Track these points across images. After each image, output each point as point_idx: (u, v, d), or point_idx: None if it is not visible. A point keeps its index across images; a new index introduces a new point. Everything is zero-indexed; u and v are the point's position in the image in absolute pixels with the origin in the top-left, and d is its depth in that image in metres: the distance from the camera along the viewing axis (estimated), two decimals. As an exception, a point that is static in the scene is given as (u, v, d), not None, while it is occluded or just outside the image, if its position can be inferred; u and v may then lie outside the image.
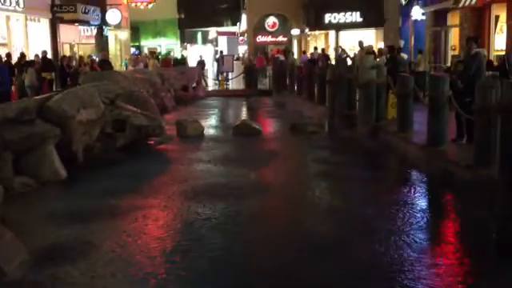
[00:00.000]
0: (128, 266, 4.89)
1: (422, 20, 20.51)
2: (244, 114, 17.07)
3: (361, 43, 17.22)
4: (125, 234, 5.74)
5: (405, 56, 16.13)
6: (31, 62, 16.77)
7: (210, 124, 14.09)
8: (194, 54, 33.96)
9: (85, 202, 6.90)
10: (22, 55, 17.36)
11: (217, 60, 28.67)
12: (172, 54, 31.31)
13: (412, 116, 9.68)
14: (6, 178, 6.79)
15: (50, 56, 19.38)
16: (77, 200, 7.07)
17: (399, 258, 5.04)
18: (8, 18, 19.22)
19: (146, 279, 4.63)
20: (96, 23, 25.43)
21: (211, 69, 31.05)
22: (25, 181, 7.50)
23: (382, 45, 21.65)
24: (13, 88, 15.41)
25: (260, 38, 33.18)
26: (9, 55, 16.87)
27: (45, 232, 5.80)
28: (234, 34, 40.05)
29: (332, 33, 28.05)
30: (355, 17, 26.41)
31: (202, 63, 26.05)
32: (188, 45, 38.89)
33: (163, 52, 34.78)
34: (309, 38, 31.51)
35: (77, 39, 25.34)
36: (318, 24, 27.55)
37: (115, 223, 6.10)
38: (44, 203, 7.00)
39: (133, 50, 34.50)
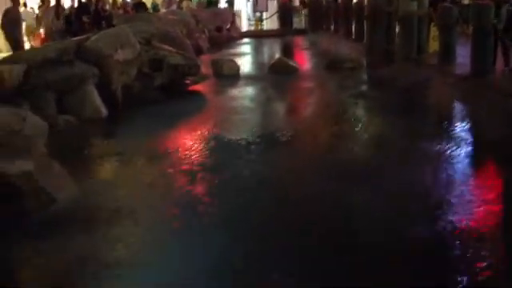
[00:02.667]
0: (167, 198, 4.99)
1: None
2: (280, 53, 16.86)
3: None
4: (162, 170, 5.81)
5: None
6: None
7: (245, 63, 13.97)
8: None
9: (124, 140, 6.99)
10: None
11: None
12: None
13: (455, 48, 9.41)
14: (50, 116, 6.94)
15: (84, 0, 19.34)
16: (117, 137, 7.17)
17: (440, 190, 4.96)
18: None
19: (187, 204, 4.72)
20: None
21: (245, 9, 30.60)
22: (68, 118, 7.67)
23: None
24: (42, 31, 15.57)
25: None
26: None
27: (88, 166, 5.97)
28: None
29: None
30: None
31: (231, 2, 25.61)
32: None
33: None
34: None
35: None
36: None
37: (153, 161, 6.17)
38: (86, 139, 7.14)
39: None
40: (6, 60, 8.00)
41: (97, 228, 4.38)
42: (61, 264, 3.88)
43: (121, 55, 8.97)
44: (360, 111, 8.40)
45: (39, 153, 4.89)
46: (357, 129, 7.33)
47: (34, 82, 7.43)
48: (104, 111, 8.22)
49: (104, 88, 8.48)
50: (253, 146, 6.47)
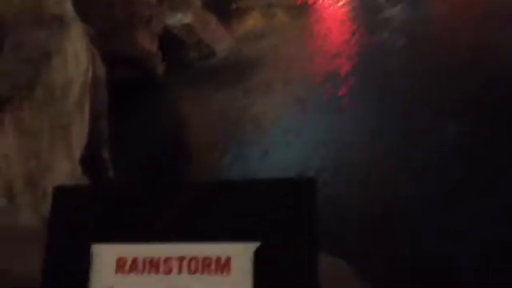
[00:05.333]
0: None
1: None
2: None
3: None
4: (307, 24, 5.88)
5: None
6: None
7: None
8: None
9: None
10: None
11: None
12: None
13: None
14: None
15: None
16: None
17: None
18: None
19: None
20: None
21: None
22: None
23: None
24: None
25: None
26: None
27: (241, 18, 6.24)
28: None
29: None
30: None
31: None
32: None
33: None
34: None
35: None
36: None
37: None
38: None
39: None
40: None
41: (246, 78, 4.72)
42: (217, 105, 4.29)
43: None
44: None
45: (196, 7, 5.22)
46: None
47: None
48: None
49: None
50: None
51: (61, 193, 0.92)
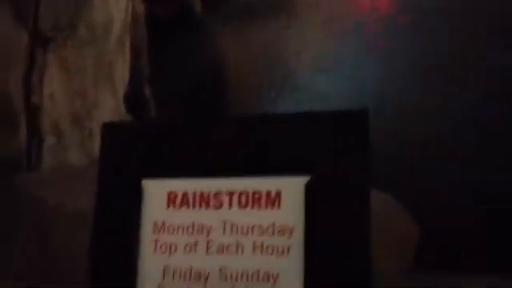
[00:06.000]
0: None
1: None
2: None
3: None
4: None
5: None
6: None
7: None
8: None
9: None
10: None
11: None
12: None
13: None
14: None
15: None
16: None
17: None
18: None
19: None
20: None
21: None
22: None
23: None
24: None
25: None
26: None
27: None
28: None
29: None
30: None
31: None
32: None
33: None
34: None
35: None
36: None
37: None
38: None
39: None
40: None
41: (286, 14, 4.64)
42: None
43: None
44: None
45: None
46: None
47: None
48: None
49: None
50: None
51: (109, 129, 0.93)
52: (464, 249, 2.01)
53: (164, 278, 0.82)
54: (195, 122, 0.91)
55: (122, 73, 2.31)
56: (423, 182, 2.42)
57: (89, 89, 1.96)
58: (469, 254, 1.98)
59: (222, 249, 0.81)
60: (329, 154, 0.81)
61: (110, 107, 2.07)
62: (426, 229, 1.51)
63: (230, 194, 0.83)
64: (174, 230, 0.84)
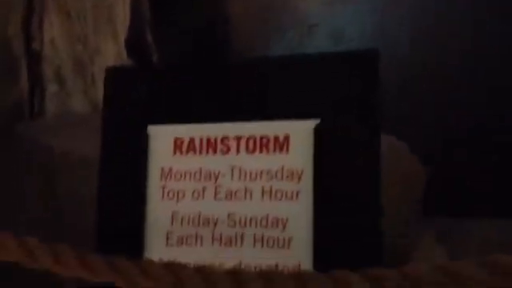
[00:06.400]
0: None
1: None
2: None
3: None
4: None
5: None
6: None
7: None
8: None
9: None
10: None
11: None
12: None
13: None
14: None
15: None
16: None
17: None
18: None
19: None
20: None
21: None
22: None
23: None
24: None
25: None
26: None
27: None
28: None
29: None
30: None
31: None
32: None
33: None
34: None
35: None
36: None
37: None
38: None
39: None
40: None
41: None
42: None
43: None
44: None
45: None
46: None
47: None
48: None
49: None
50: None
51: (113, 74, 0.90)
52: (474, 193, 2.00)
53: (172, 224, 0.82)
54: (201, 67, 0.89)
55: (123, 16, 2.26)
56: (435, 128, 2.38)
57: (90, 33, 1.92)
58: (479, 199, 1.97)
59: (230, 194, 0.80)
60: (338, 96, 0.79)
61: (112, 52, 2.03)
62: (434, 169, 1.50)
63: (238, 139, 0.82)
64: (181, 177, 0.83)
